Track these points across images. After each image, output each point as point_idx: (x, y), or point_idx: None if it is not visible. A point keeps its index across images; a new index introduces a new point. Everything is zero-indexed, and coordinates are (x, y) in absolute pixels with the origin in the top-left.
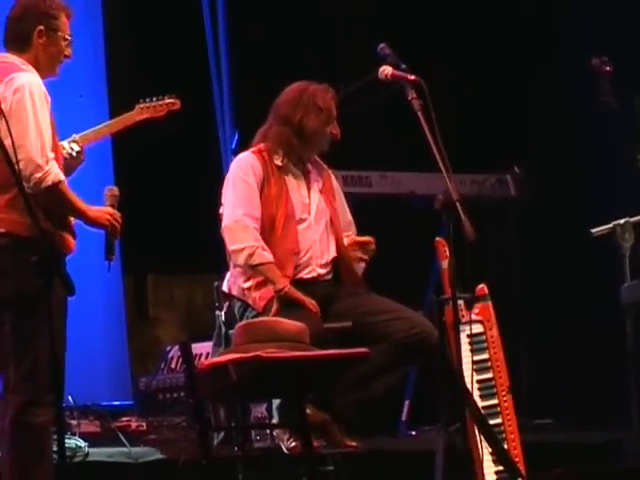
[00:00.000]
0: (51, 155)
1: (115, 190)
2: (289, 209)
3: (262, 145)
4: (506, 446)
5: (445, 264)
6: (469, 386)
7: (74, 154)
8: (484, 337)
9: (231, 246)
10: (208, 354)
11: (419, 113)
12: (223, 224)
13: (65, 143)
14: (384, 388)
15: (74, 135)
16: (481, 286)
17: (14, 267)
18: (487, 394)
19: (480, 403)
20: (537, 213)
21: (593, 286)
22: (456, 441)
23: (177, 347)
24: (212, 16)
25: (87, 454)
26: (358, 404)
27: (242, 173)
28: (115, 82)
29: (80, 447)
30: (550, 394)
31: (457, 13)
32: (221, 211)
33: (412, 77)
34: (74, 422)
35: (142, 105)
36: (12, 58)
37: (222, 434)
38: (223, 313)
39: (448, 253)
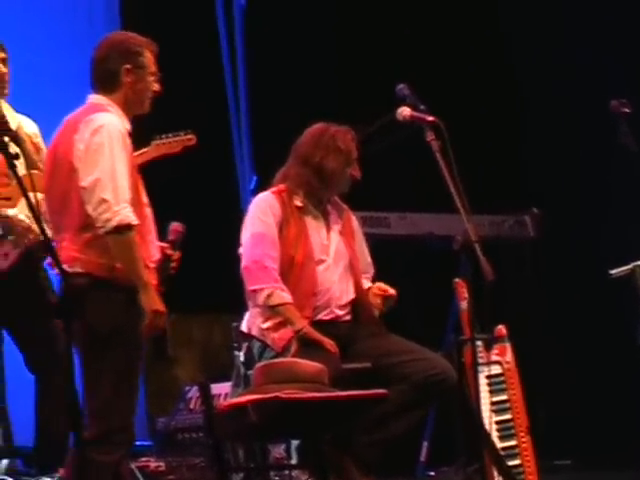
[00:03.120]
0: (125, 197)
1: (180, 226)
2: (308, 250)
3: (282, 186)
4: None
5: (464, 305)
6: (488, 427)
7: None
8: (503, 378)
9: (250, 286)
10: (227, 394)
11: (437, 154)
12: (242, 264)
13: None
14: (403, 429)
15: None
16: (500, 327)
17: (92, 308)
18: (506, 435)
19: (499, 444)
20: (555, 254)
21: (611, 326)
22: None
23: (196, 387)
24: (231, 59)
25: None
26: (377, 445)
27: (261, 213)
28: (134, 121)
29: None
30: (569, 435)
31: (477, 55)
32: (240, 251)
33: (430, 118)
34: None
35: (158, 141)
36: (98, 99)
37: (241, 475)
38: (242, 353)
39: (467, 294)
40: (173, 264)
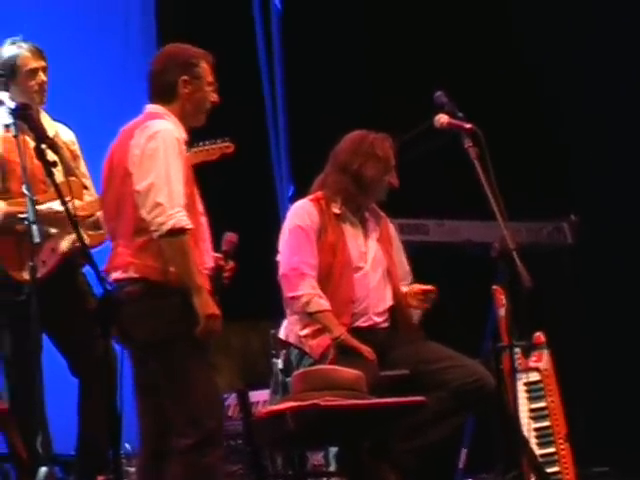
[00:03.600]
0: (179, 202)
1: (234, 237)
2: (346, 257)
3: (320, 193)
4: None
5: (502, 312)
6: (526, 434)
7: None
8: (541, 385)
9: (288, 293)
10: (265, 402)
11: (475, 161)
12: (280, 272)
13: None
14: (441, 436)
15: None
16: (538, 334)
17: (148, 313)
18: (544, 442)
19: (537, 451)
20: (594, 260)
21: None
22: None
23: (234, 395)
24: (269, 64)
25: None
26: (415, 452)
27: (299, 221)
28: None
29: None
30: (608, 442)
31: (516, 61)
32: (278, 258)
33: (468, 125)
34: (132, 469)
35: (196, 149)
36: (156, 108)
37: None
38: (280, 361)
39: (505, 301)
40: (226, 274)
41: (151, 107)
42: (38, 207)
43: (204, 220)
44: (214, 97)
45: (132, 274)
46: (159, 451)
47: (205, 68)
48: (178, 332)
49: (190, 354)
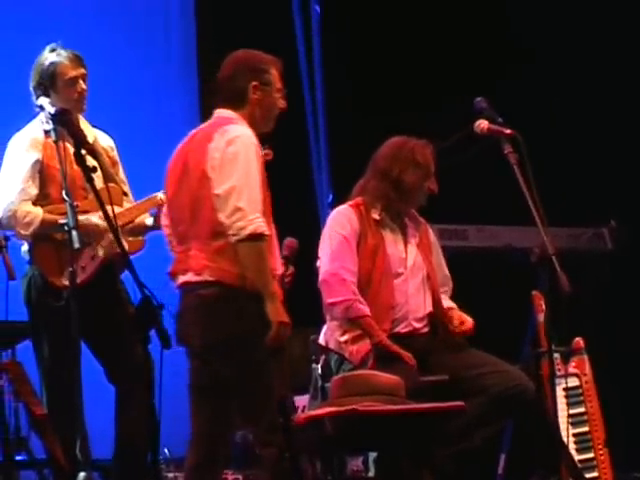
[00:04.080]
0: (258, 208)
1: (294, 242)
2: (386, 263)
3: (360, 199)
4: None
5: (541, 317)
6: (565, 440)
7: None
8: (580, 390)
9: (328, 299)
10: (304, 407)
11: (515, 166)
12: (320, 277)
13: (160, 193)
14: (480, 441)
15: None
16: (577, 339)
17: (223, 317)
18: (583, 448)
19: (576, 457)
20: (634, 266)
21: None
22: None
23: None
24: (309, 75)
25: None
26: (454, 457)
27: (339, 227)
28: None
29: None
30: None
31: (554, 68)
32: (318, 264)
33: (508, 131)
34: (171, 475)
35: None
36: (228, 113)
37: None
38: (319, 366)
39: (544, 307)
40: (287, 279)
41: (222, 112)
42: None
43: (272, 226)
44: (282, 103)
45: (207, 277)
46: (212, 452)
47: (274, 74)
48: (254, 337)
49: (265, 360)
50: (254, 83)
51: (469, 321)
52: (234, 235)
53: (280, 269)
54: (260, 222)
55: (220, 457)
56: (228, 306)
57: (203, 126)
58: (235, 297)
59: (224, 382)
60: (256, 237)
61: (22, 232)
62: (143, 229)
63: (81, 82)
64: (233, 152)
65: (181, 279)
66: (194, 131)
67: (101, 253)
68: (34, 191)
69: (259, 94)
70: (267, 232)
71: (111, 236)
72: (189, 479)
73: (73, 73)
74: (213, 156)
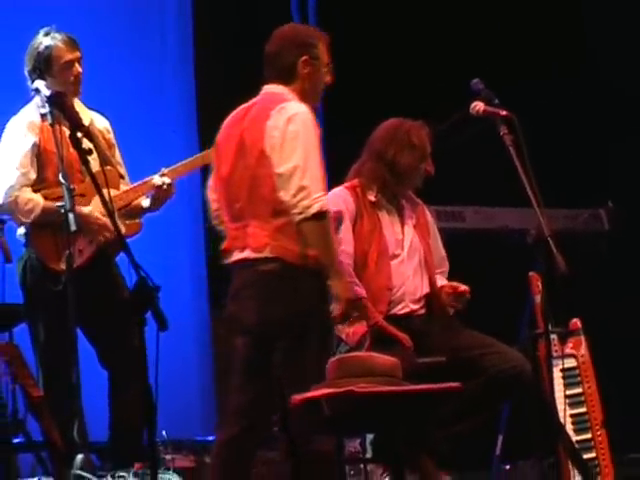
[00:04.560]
0: (321, 185)
1: None
2: (382, 245)
3: (356, 181)
4: None
5: (538, 299)
6: (563, 420)
7: (165, 187)
8: (577, 371)
9: None
10: None
11: (511, 148)
12: None
13: (156, 177)
14: (477, 422)
15: (162, 169)
16: (574, 320)
17: (283, 293)
18: (581, 428)
19: (574, 437)
20: (630, 247)
21: None
22: (550, 475)
23: None
24: None
25: None
26: (452, 439)
27: (335, 208)
28: (205, 118)
29: None
30: None
31: (551, 49)
32: None
33: (504, 112)
34: (168, 457)
35: None
36: (279, 88)
37: None
38: None
39: (541, 288)
40: None
41: (272, 87)
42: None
43: None
44: (329, 78)
45: (267, 254)
46: (249, 432)
47: (322, 50)
48: (313, 316)
49: (321, 339)
50: (304, 58)
51: (462, 286)
52: (300, 214)
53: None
54: (325, 200)
55: (256, 439)
56: (287, 283)
57: (255, 102)
58: (295, 275)
59: (275, 360)
60: (322, 215)
61: (22, 219)
62: (139, 211)
63: (77, 65)
64: (294, 130)
65: (237, 255)
66: (244, 108)
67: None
68: (33, 175)
69: (309, 69)
70: (331, 210)
71: (110, 223)
72: (219, 455)
73: (69, 56)
74: (272, 134)
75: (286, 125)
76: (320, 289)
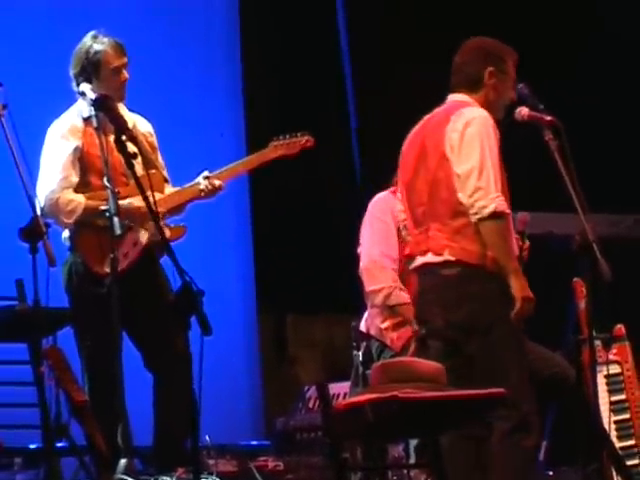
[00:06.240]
0: (498, 187)
1: (527, 217)
2: None
3: None
4: None
5: (582, 304)
6: (606, 427)
7: (209, 188)
8: (621, 378)
9: (369, 286)
10: (346, 394)
11: (555, 153)
12: (361, 264)
13: (200, 179)
14: None
15: (205, 172)
16: (619, 327)
17: (468, 297)
18: (624, 435)
19: (617, 444)
20: None
21: None
22: None
23: (314, 387)
24: (351, 56)
25: None
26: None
27: (380, 213)
28: (253, 121)
29: None
30: None
31: (598, 57)
32: (359, 251)
33: (549, 118)
34: (212, 461)
35: (276, 142)
36: (462, 97)
37: (359, 474)
38: (361, 353)
39: (585, 293)
40: (524, 253)
41: (456, 96)
42: (119, 202)
43: None
44: (513, 94)
45: (448, 257)
46: None
47: (511, 66)
48: (497, 317)
49: (508, 338)
50: (490, 69)
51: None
52: (476, 214)
53: (517, 250)
54: (501, 200)
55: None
56: (471, 286)
57: (438, 110)
58: (477, 276)
59: (466, 361)
60: (498, 215)
61: (65, 220)
62: (181, 208)
63: (124, 71)
64: (472, 133)
65: (420, 260)
66: (428, 116)
67: (144, 239)
68: (75, 179)
69: (494, 80)
70: (508, 210)
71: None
72: None
73: (117, 62)
74: (451, 137)
75: (465, 128)
76: (502, 289)
